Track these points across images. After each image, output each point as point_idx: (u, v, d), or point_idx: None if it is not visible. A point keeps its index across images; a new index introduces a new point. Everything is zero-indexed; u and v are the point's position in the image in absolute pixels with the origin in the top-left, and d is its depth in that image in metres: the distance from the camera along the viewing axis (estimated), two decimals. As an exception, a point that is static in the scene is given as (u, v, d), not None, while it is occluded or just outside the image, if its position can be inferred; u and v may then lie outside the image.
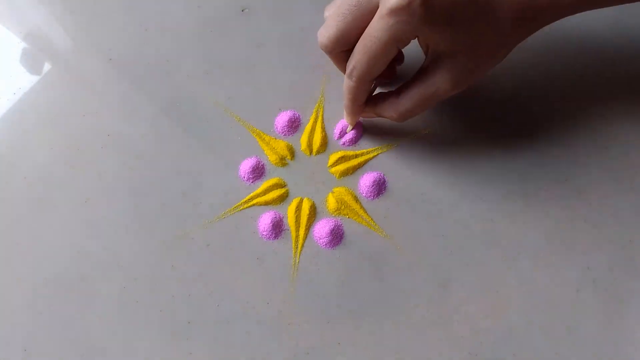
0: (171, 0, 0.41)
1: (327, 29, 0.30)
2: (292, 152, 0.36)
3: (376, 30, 0.27)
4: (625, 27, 0.38)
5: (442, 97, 0.30)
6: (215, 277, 0.33)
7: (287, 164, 0.36)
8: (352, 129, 0.35)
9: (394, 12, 0.26)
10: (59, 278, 0.33)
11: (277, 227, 0.34)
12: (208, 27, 0.40)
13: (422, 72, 0.30)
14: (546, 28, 0.30)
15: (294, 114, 0.36)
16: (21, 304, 0.33)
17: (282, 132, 0.36)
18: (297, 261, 0.33)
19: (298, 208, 0.34)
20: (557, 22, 0.30)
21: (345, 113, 0.34)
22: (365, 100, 0.33)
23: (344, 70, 0.32)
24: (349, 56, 0.30)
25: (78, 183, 0.35)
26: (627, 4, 0.31)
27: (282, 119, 0.36)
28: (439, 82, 0.29)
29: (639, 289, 0.32)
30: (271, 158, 0.35)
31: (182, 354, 0.31)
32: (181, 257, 0.33)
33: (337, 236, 0.33)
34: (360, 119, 0.36)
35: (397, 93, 0.31)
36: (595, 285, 0.32)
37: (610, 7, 0.32)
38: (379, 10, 0.27)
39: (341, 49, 0.30)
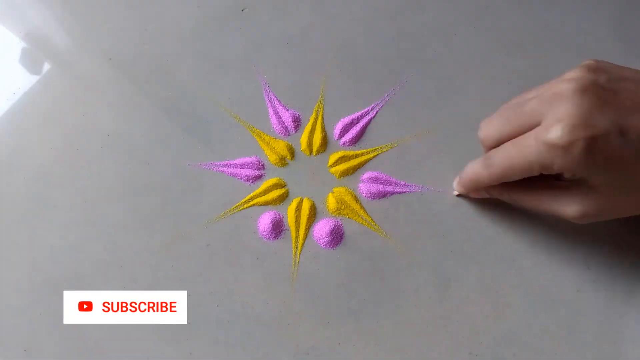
0: (171, 0, 0.41)
1: (489, 126, 0.29)
2: (292, 152, 0.36)
3: (527, 147, 0.26)
4: (624, 27, 0.38)
5: (563, 218, 0.28)
6: (215, 277, 0.33)
7: (287, 164, 0.36)
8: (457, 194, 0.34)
9: (551, 146, 0.25)
10: (59, 278, 0.33)
11: (277, 227, 0.34)
12: (208, 27, 0.40)
13: (553, 187, 0.28)
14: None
15: (294, 113, 0.36)
16: (21, 304, 0.33)
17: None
18: (297, 261, 0.33)
19: (298, 208, 0.34)
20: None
21: (457, 183, 0.33)
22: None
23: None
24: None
25: (78, 183, 0.35)
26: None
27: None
28: (568, 206, 0.27)
29: (639, 289, 0.32)
30: (271, 158, 0.35)
31: (182, 354, 0.31)
32: (181, 257, 0.33)
33: (337, 236, 0.33)
34: None
35: (524, 193, 0.30)
36: (595, 285, 0.32)
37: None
38: (538, 130, 0.26)
39: (494, 146, 0.29)
